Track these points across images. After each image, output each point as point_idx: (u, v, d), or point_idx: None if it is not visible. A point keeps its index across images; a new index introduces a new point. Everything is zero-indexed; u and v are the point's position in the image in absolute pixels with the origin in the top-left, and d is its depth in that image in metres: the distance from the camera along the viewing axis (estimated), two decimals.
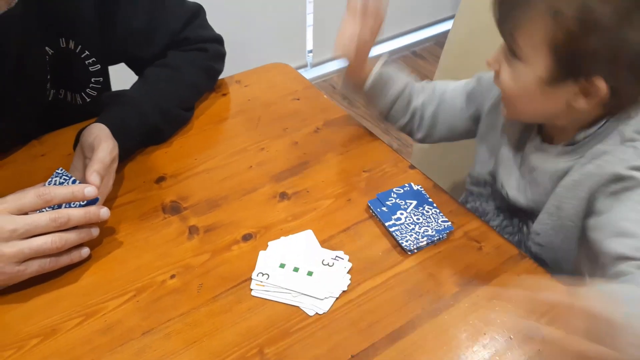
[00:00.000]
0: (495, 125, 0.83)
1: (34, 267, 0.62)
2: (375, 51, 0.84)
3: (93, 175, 0.67)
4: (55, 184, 0.68)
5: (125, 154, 0.79)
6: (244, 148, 0.86)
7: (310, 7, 2.16)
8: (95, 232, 0.67)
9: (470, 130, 0.89)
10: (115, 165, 0.74)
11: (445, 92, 0.89)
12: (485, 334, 0.62)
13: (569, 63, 0.63)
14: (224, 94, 0.96)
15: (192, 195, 0.77)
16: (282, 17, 2.08)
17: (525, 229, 0.81)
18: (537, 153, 0.75)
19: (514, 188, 0.78)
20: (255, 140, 0.87)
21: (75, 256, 0.66)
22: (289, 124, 0.91)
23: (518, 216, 0.81)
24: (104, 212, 0.67)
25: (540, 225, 0.75)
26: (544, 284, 0.58)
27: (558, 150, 0.73)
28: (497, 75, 0.71)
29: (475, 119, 0.88)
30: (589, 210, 0.70)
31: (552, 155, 0.73)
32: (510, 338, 0.62)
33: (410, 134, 0.91)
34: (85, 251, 0.67)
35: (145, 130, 0.82)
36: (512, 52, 0.67)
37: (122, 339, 0.60)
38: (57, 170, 0.68)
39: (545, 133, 0.76)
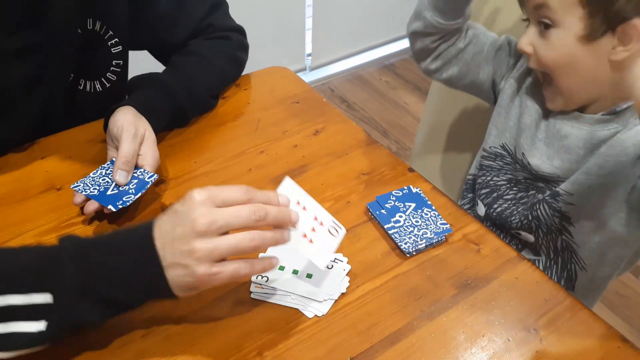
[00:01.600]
0: (516, 95, 0.83)
1: (229, 269, 0.55)
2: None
3: (118, 174, 0.71)
4: (101, 175, 0.74)
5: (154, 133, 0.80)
6: (243, 151, 0.86)
7: (309, 11, 2.17)
8: (287, 236, 0.58)
9: (476, 84, 0.88)
10: (150, 139, 0.77)
11: (478, 35, 0.87)
12: (483, 336, 0.62)
13: (604, 12, 0.65)
14: (224, 97, 0.97)
15: None
16: (281, 20, 2.09)
17: (542, 197, 0.81)
18: (570, 122, 0.77)
19: (538, 157, 0.80)
20: (255, 143, 0.88)
21: (267, 264, 0.58)
22: (288, 127, 0.91)
23: (535, 188, 0.82)
24: (294, 215, 0.59)
25: (576, 185, 0.76)
26: None
27: (595, 119, 0.74)
28: (531, 56, 0.74)
29: (489, 78, 0.88)
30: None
31: (587, 123, 0.75)
32: (509, 340, 0.62)
33: (425, 57, 0.88)
34: (275, 259, 0.59)
35: (172, 109, 0.85)
36: (543, 24, 0.70)
37: (121, 342, 0.60)
38: (103, 165, 0.75)
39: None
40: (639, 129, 0.71)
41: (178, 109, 0.86)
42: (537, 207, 0.82)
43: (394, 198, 0.77)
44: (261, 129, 0.91)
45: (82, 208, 0.71)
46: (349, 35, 2.37)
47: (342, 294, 0.66)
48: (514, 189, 0.85)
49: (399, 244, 0.71)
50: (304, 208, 0.61)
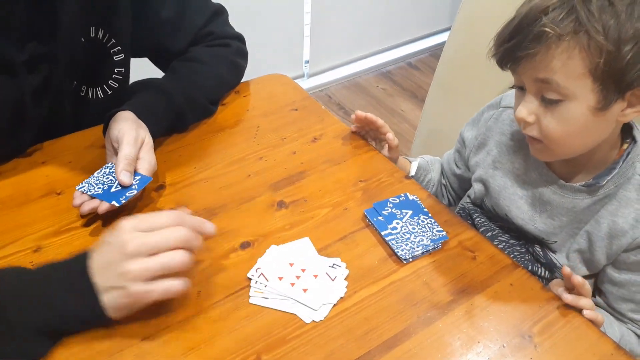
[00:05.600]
0: (494, 159, 0.85)
1: (162, 286, 0.59)
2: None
3: (122, 174, 0.72)
4: (105, 174, 0.75)
5: (152, 138, 0.81)
6: (242, 157, 0.87)
7: (307, 18, 2.18)
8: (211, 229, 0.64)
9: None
10: (149, 145, 0.78)
11: (449, 167, 0.98)
12: (478, 342, 0.63)
13: (615, 81, 0.63)
14: (223, 104, 0.97)
15: (190, 204, 0.78)
16: (279, 28, 2.10)
17: (531, 250, 0.83)
18: (552, 189, 0.77)
19: (521, 218, 0.80)
20: (254, 149, 0.88)
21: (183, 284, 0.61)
22: (287, 133, 0.92)
23: (525, 238, 0.83)
24: (210, 227, 0.64)
25: (571, 262, 0.79)
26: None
27: (574, 188, 0.75)
28: (529, 124, 0.70)
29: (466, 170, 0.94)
30: (613, 263, 0.76)
31: (569, 191, 0.75)
32: (503, 346, 0.63)
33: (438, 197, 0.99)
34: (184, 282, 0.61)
35: (171, 114, 0.86)
36: (549, 98, 0.66)
37: (121, 345, 0.61)
38: (107, 164, 0.77)
39: (558, 170, 0.77)
40: (624, 227, 0.73)
41: (177, 113, 0.87)
42: (537, 268, 0.83)
43: (391, 205, 0.78)
44: (260, 135, 0.91)
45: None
46: (347, 42, 2.39)
47: (341, 298, 0.67)
48: (506, 234, 0.86)
49: (395, 250, 0.72)
50: (291, 264, 0.70)
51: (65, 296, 0.58)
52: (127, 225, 0.60)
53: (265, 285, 0.67)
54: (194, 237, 0.61)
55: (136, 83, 0.88)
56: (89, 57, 0.85)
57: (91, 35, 0.84)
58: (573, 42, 0.62)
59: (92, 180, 0.74)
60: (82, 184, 0.74)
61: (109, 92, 0.91)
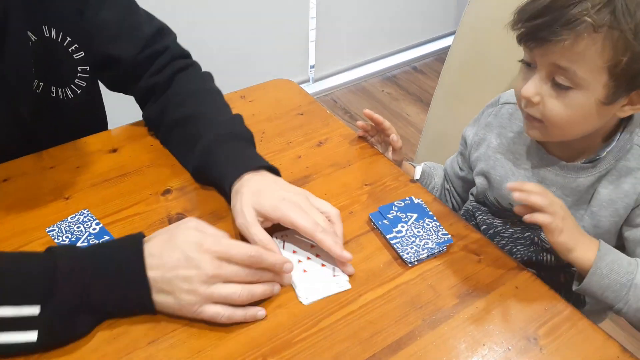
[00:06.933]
0: (494, 151, 0.86)
1: (209, 312, 0.62)
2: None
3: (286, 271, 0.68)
4: (78, 221, 0.74)
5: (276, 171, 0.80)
6: None
7: (312, 23, 2.19)
8: (277, 289, 0.67)
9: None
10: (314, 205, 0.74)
11: (452, 170, 0.98)
12: (484, 345, 0.63)
13: (629, 80, 0.64)
14: None
15: (197, 208, 0.79)
16: (285, 33, 2.11)
17: (537, 240, 0.82)
18: (553, 170, 0.78)
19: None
20: (260, 153, 0.88)
21: (249, 315, 0.64)
22: (293, 138, 0.92)
23: (530, 229, 0.83)
24: (286, 278, 0.68)
25: None
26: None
27: (577, 166, 0.76)
28: (532, 104, 0.70)
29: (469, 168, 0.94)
30: (627, 222, 0.76)
31: (571, 171, 0.76)
32: (509, 349, 0.63)
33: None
34: (261, 313, 0.65)
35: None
36: (560, 83, 0.67)
37: (128, 349, 0.61)
38: (82, 211, 0.75)
39: (558, 153, 0.78)
40: (625, 189, 0.74)
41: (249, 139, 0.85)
42: (542, 256, 0.83)
43: (396, 208, 0.78)
44: (266, 139, 0.92)
45: None
46: (352, 47, 2.40)
47: (346, 301, 0.67)
48: (510, 230, 0.87)
49: (400, 253, 0.72)
50: (312, 246, 0.72)
51: (122, 290, 0.62)
52: (212, 247, 0.63)
53: (282, 246, 0.71)
54: (261, 274, 0.65)
55: (211, 152, 0.80)
56: (46, 57, 0.82)
57: (45, 35, 0.81)
58: (604, 36, 0.62)
59: (63, 225, 0.73)
60: (52, 227, 0.73)
61: (79, 92, 0.88)
